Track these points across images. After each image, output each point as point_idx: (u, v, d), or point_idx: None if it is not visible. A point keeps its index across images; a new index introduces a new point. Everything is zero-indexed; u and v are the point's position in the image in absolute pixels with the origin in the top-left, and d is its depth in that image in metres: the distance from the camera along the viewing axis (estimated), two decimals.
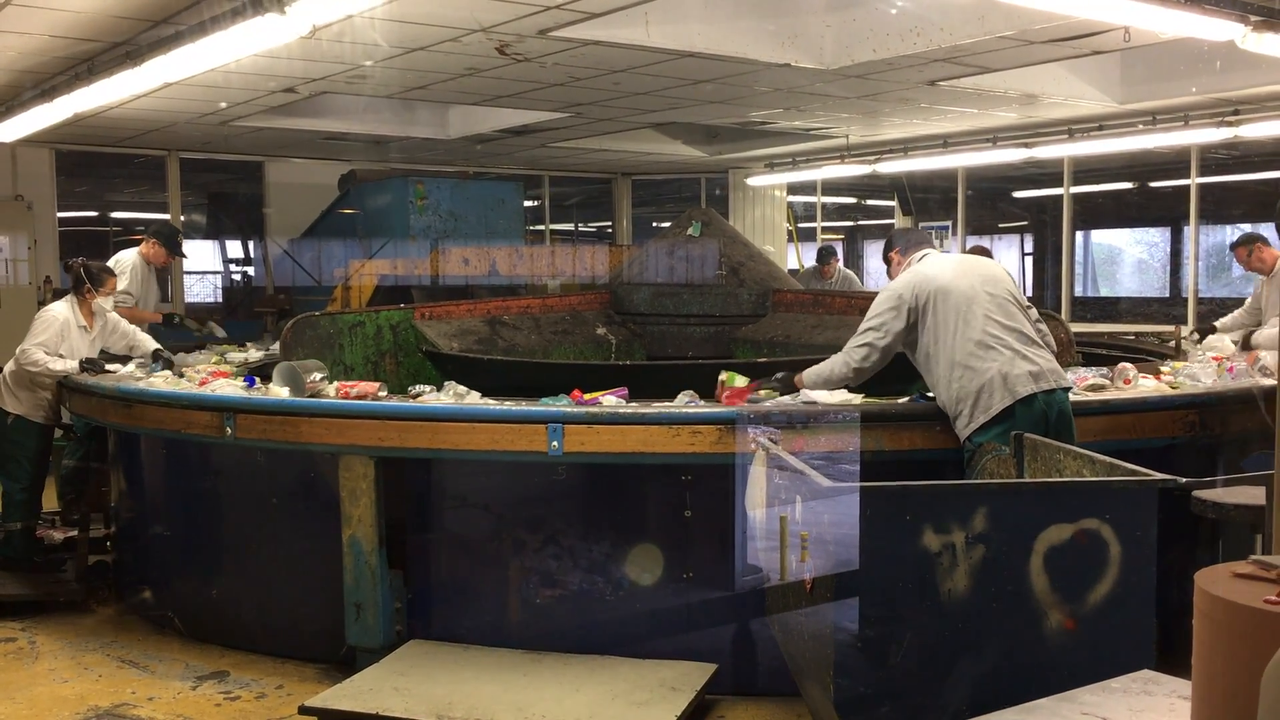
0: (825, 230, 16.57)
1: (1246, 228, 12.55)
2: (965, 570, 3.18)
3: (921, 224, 14.01)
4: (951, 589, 3.19)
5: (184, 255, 8.69)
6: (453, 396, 5.00)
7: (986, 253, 9.73)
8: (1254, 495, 3.14)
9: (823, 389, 4.71)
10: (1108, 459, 3.56)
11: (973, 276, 4.65)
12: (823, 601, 3.42)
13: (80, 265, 6.71)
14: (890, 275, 4.99)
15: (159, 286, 8.72)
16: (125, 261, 7.83)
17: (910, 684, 3.23)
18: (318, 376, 5.29)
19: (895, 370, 4.90)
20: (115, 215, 16.92)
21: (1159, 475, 3.31)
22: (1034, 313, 4.82)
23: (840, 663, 3.27)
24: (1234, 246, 8.08)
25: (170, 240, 7.96)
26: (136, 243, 8.23)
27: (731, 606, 4.67)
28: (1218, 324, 7.85)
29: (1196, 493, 3.27)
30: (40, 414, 6.45)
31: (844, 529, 3.30)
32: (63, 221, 11.40)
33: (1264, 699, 1.27)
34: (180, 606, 5.69)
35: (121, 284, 7.46)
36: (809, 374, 4.76)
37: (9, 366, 6.46)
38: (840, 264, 11.61)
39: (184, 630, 5.61)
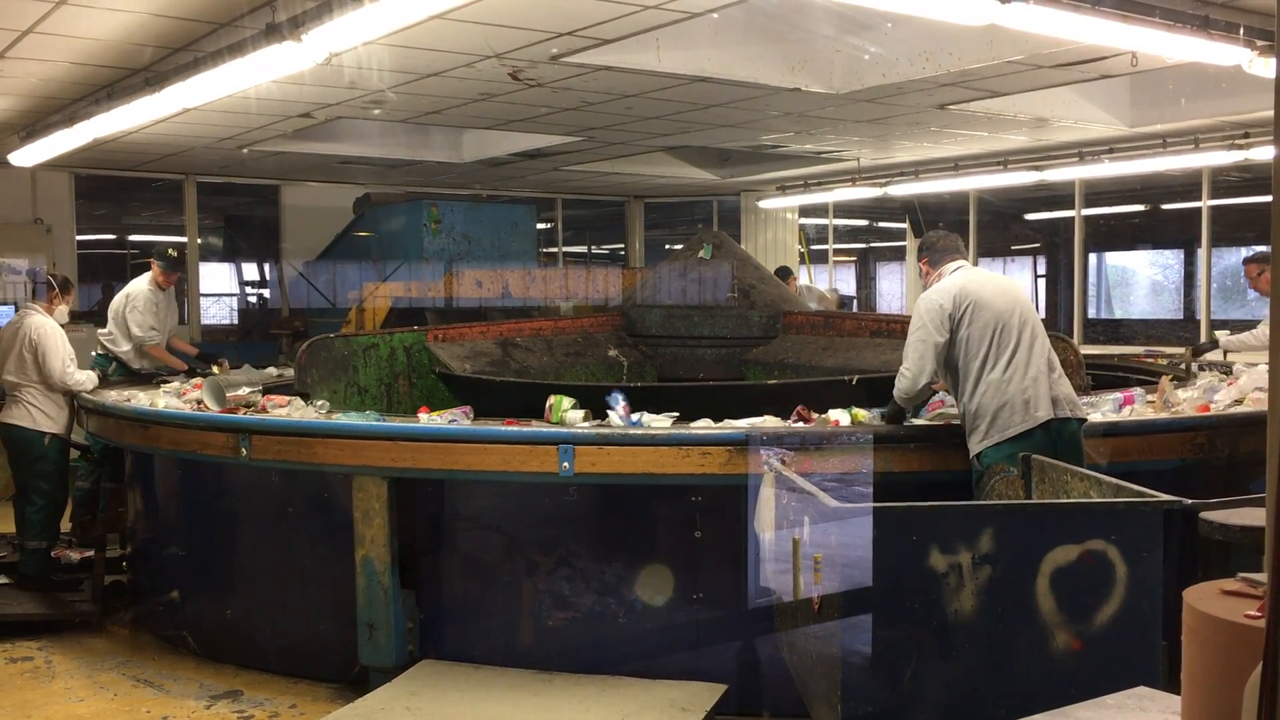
0: (837, 252, 16.62)
1: (1263, 249, 12.52)
2: (972, 591, 3.20)
3: None
4: (958, 609, 3.21)
5: (182, 268, 8.39)
6: (316, 412, 5.28)
7: None
8: (1260, 517, 3.16)
9: (915, 404, 4.79)
10: (1114, 480, 3.57)
11: (1008, 296, 4.71)
12: (830, 622, 3.44)
13: (47, 272, 6.80)
14: (925, 286, 4.99)
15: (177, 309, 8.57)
16: (136, 295, 7.60)
17: (918, 705, 3.25)
18: (245, 390, 5.62)
19: None
20: (133, 238, 17.08)
21: (1164, 496, 3.32)
22: None
23: (848, 683, 3.28)
24: (1247, 261, 8.09)
25: (163, 257, 7.76)
26: (146, 267, 8.11)
27: (741, 627, 4.69)
28: (1220, 338, 7.76)
29: (1204, 514, 3.29)
30: (66, 430, 6.55)
31: (852, 550, 3.32)
32: (81, 244, 11.53)
33: (1246, 712, 1.30)
34: (195, 626, 5.73)
35: (139, 320, 7.43)
36: (897, 402, 4.75)
37: (35, 391, 6.50)
38: (800, 281, 11.73)
39: (198, 649, 5.66)
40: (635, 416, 4.86)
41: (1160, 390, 5.32)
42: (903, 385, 4.68)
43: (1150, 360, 8.08)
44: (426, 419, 5.05)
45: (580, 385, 6.95)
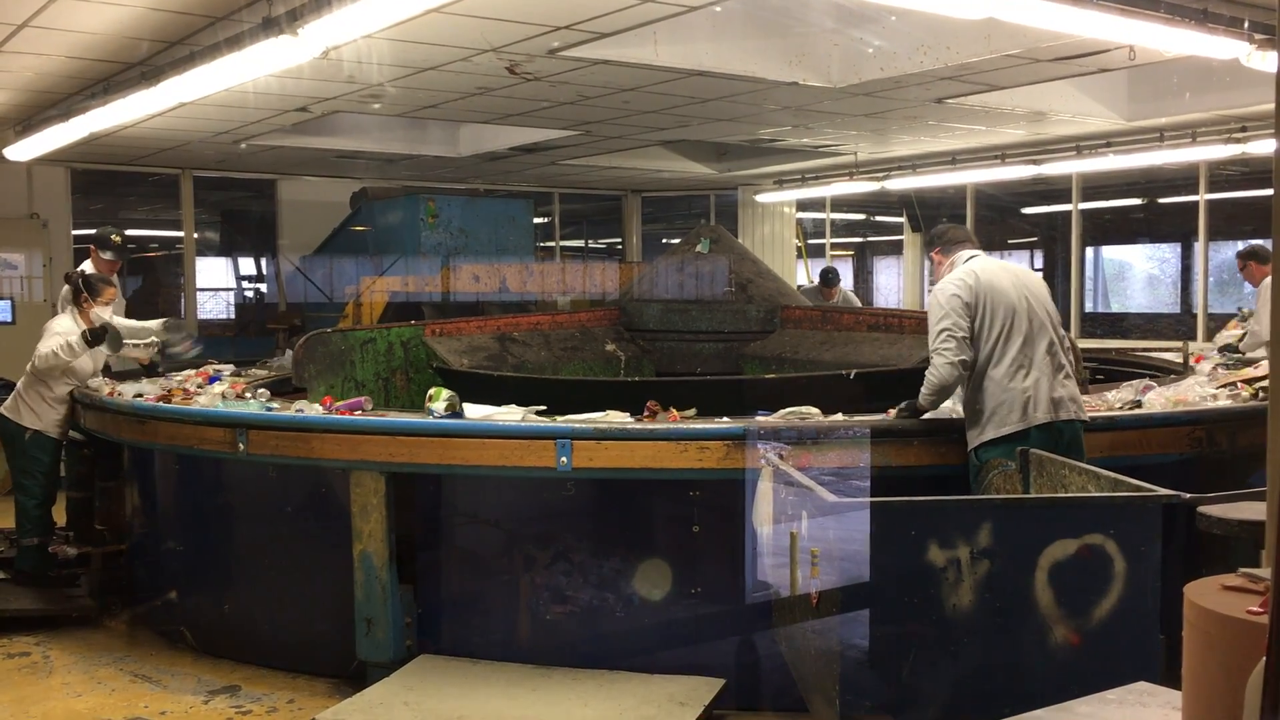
0: (834, 247, 16.61)
1: (1256, 243, 12.53)
2: (970, 585, 3.20)
3: None
4: (956, 604, 3.21)
5: (120, 254, 7.32)
6: (209, 401, 5.45)
7: None
8: (1259, 511, 3.15)
9: (942, 400, 4.64)
10: (1112, 474, 3.57)
11: (1024, 289, 4.64)
12: (828, 617, 3.44)
13: (78, 276, 6.68)
14: (937, 276, 4.92)
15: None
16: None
17: (916, 699, 3.25)
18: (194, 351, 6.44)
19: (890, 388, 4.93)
20: (129, 233, 17.04)
21: (1162, 491, 3.32)
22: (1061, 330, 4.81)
23: (846, 678, 3.28)
24: (1239, 255, 8.18)
25: (106, 244, 7.10)
26: (144, 262, 7.71)
27: (739, 622, 4.69)
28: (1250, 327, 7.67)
29: (1201, 509, 3.28)
30: (56, 429, 6.50)
31: (850, 544, 3.32)
32: (77, 239, 11.48)
33: (1248, 708, 1.30)
34: (192, 621, 5.73)
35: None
36: (922, 397, 4.62)
37: (24, 382, 6.50)
38: (843, 285, 11.53)
39: (196, 644, 5.65)
40: (469, 408, 4.87)
41: None
42: (935, 379, 4.51)
43: (1147, 355, 8.04)
44: (318, 408, 5.15)
45: (577, 380, 6.95)
